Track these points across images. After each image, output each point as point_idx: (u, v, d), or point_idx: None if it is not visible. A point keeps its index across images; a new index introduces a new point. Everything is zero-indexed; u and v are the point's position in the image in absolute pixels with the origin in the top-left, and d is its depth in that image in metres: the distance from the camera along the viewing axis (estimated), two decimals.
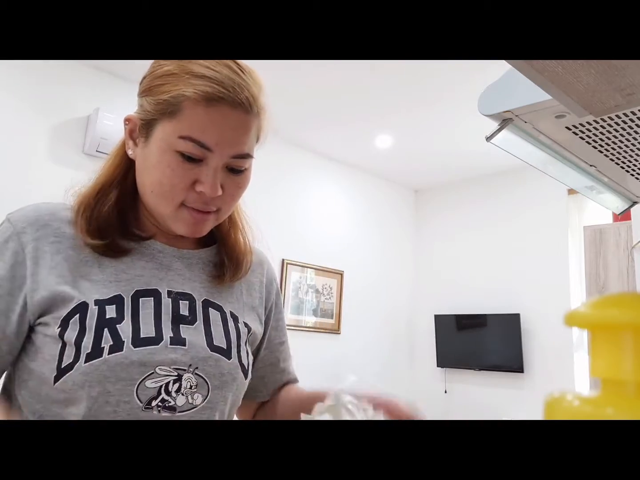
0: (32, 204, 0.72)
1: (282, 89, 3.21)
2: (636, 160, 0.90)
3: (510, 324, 3.93)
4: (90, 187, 0.73)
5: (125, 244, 0.73)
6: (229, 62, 0.67)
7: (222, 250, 0.81)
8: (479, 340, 4.11)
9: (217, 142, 0.66)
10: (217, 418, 0.71)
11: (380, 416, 0.61)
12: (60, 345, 0.65)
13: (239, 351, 0.74)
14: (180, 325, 0.70)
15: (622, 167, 0.93)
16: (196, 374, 0.68)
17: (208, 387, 0.69)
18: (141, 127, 0.70)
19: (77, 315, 0.65)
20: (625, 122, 0.76)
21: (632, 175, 0.97)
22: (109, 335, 0.65)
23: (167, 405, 0.66)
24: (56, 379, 0.64)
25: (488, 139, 0.82)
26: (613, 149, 0.85)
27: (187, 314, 0.72)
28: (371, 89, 3.19)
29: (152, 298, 0.70)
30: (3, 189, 2.70)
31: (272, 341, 0.87)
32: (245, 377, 0.75)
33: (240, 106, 0.66)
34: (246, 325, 0.78)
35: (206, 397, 0.69)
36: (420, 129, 3.67)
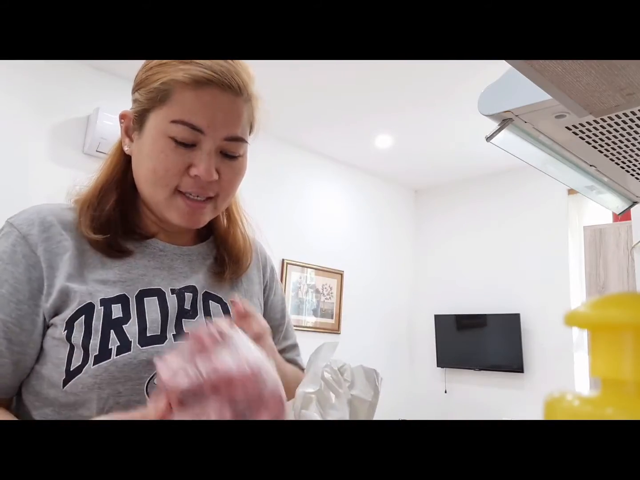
0: (33, 206, 0.72)
1: (282, 89, 3.21)
2: (636, 160, 0.90)
3: (510, 324, 3.93)
4: (92, 187, 0.74)
5: (127, 243, 0.73)
6: None
7: (221, 248, 0.81)
8: (479, 340, 4.12)
9: (208, 124, 0.66)
10: None
11: (359, 370, 0.63)
12: (68, 348, 0.65)
13: None
14: (183, 320, 0.71)
15: (622, 167, 0.93)
16: None
17: None
18: (135, 120, 0.70)
19: (83, 317, 0.66)
20: (625, 122, 0.76)
21: (632, 175, 0.97)
22: (115, 336, 0.65)
23: None
24: (65, 382, 0.64)
25: (488, 139, 0.82)
26: (613, 149, 0.85)
27: (189, 308, 0.72)
28: (371, 89, 3.19)
29: (156, 297, 0.71)
30: (3, 189, 2.70)
31: (271, 322, 0.85)
32: None
33: (229, 89, 0.66)
34: None
35: None
36: (420, 129, 3.67)
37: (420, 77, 3.02)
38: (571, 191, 3.80)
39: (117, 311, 0.67)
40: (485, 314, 4.09)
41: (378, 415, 0.86)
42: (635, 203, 1.14)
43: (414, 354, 4.61)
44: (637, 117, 0.74)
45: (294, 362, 0.88)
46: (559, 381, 3.63)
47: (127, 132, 0.72)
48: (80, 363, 0.64)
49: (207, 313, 0.74)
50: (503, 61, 0.45)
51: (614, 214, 1.70)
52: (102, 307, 0.66)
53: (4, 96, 2.80)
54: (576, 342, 3.69)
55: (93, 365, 0.63)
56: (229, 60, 0.67)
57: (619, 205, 1.14)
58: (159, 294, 0.71)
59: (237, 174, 0.72)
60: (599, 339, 0.30)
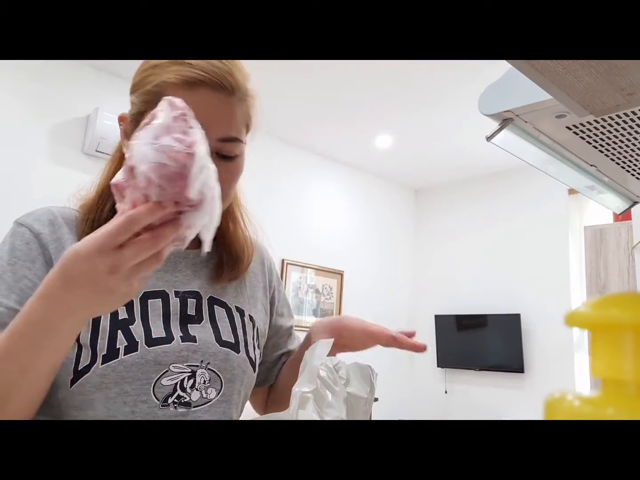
0: (41, 207, 0.72)
1: (282, 89, 3.21)
2: (637, 160, 0.90)
3: (510, 324, 3.93)
4: (93, 191, 0.74)
5: None
6: None
7: (221, 246, 0.81)
8: (479, 341, 4.12)
9: (201, 125, 0.66)
10: (233, 411, 0.73)
11: (354, 367, 0.63)
12: (76, 348, 0.65)
13: (246, 345, 0.75)
14: (188, 325, 0.71)
15: (623, 167, 0.93)
16: (209, 369, 0.70)
17: (221, 381, 0.70)
18: (131, 123, 0.70)
19: (90, 318, 0.66)
20: (625, 122, 0.76)
21: (633, 175, 0.97)
22: (123, 336, 0.66)
23: (182, 401, 0.67)
24: (73, 381, 0.64)
25: (488, 138, 0.82)
26: (613, 148, 0.85)
27: (194, 314, 0.73)
28: (371, 89, 3.19)
29: (160, 299, 0.71)
30: (3, 189, 2.70)
31: (279, 328, 0.88)
32: (254, 371, 0.76)
33: (221, 89, 0.66)
34: (251, 319, 0.79)
35: (220, 391, 0.70)
36: (420, 129, 3.67)
37: (420, 77, 3.02)
38: (571, 191, 3.80)
39: (122, 312, 0.67)
40: (485, 314, 4.09)
41: (378, 416, 0.86)
42: (635, 203, 1.14)
43: (414, 354, 4.59)
44: (638, 117, 0.74)
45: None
46: (559, 381, 3.63)
47: (126, 135, 0.72)
48: (88, 362, 0.64)
49: (213, 318, 0.74)
50: (503, 61, 0.45)
51: (614, 214, 1.70)
52: None
53: (4, 96, 2.80)
54: (576, 342, 3.69)
55: (101, 364, 0.64)
56: (224, 60, 0.67)
57: (620, 205, 1.14)
58: (163, 296, 0.71)
59: (234, 175, 0.72)
60: (599, 339, 0.30)
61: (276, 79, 3.06)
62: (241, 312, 0.78)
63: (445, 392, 4.31)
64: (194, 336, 0.70)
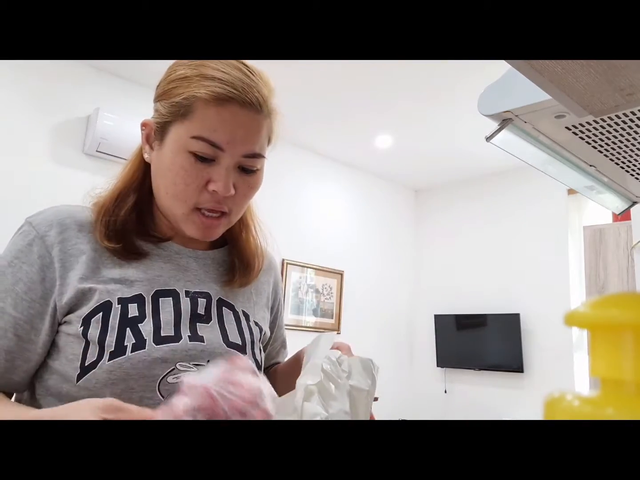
0: (52, 207, 0.74)
1: (281, 89, 3.20)
2: (636, 160, 0.90)
3: (510, 324, 3.93)
4: (110, 192, 0.75)
5: (143, 245, 0.75)
6: (240, 64, 0.69)
7: (233, 252, 0.82)
8: (478, 340, 4.12)
9: (228, 141, 0.67)
10: None
11: (356, 361, 0.65)
12: (83, 344, 0.66)
13: (252, 348, 0.76)
14: (197, 324, 0.72)
15: (622, 167, 0.93)
16: None
17: None
18: (156, 131, 0.72)
19: (100, 314, 0.67)
20: (625, 122, 0.76)
21: (632, 175, 0.97)
22: (131, 334, 0.67)
23: None
24: (79, 377, 0.65)
25: (488, 139, 0.82)
26: (613, 149, 0.85)
27: (203, 313, 0.74)
28: (371, 89, 3.19)
29: (171, 298, 0.72)
30: (3, 189, 2.70)
31: (276, 340, 0.91)
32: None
33: (250, 106, 0.67)
34: (257, 324, 0.80)
35: None
36: (420, 129, 3.67)
37: (420, 77, 3.02)
38: (571, 191, 3.80)
39: (133, 310, 0.68)
40: (485, 314, 4.09)
41: (378, 415, 0.86)
42: (635, 203, 1.14)
43: (414, 354, 4.60)
44: (637, 117, 0.74)
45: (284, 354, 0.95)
46: (559, 381, 3.63)
47: (147, 140, 0.74)
48: (95, 359, 0.65)
49: (221, 319, 0.75)
50: (503, 61, 0.45)
51: (613, 214, 1.70)
52: (120, 306, 0.68)
53: (5, 96, 2.80)
54: (576, 342, 3.69)
55: (108, 361, 0.65)
56: (249, 73, 0.69)
57: (619, 205, 1.14)
58: (174, 295, 0.73)
59: (253, 188, 0.74)
60: (598, 339, 0.30)
61: (276, 79, 3.05)
62: (247, 317, 0.79)
63: (445, 391, 4.31)
64: (202, 336, 0.71)
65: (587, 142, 0.84)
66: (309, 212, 4.09)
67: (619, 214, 1.17)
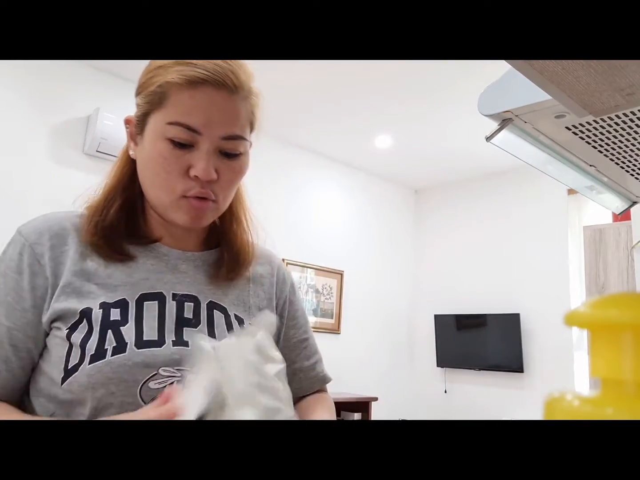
0: (42, 215, 0.74)
1: (281, 89, 3.21)
2: (636, 160, 0.90)
3: (510, 324, 3.93)
4: (100, 193, 0.75)
5: (131, 248, 0.74)
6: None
7: (222, 244, 0.80)
8: (478, 340, 4.12)
9: (204, 124, 0.66)
10: None
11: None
12: (67, 347, 0.66)
13: None
14: (184, 329, 0.70)
15: (622, 167, 0.93)
16: None
17: None
18: (137, 125, 0.71)
19: (84, 320, 0.67)
20: (625, 122, 0.76)
21: (632, 175, 0.97)
22: (112, 337, 0.65)
23: None
24: (63, 380, 0.65)
25: (488, 139, 0.82)
26: (613, 149, 0.85)
27: (191, 317, 0.72)
28: (371, 89, 3.19)
29: (157, 302, 0.71)
30: (3, 189, 2.70)
31: (290, 339, 0.85)
32: None
33: (224, 87, 0.66)
34: None
35: None
36: (420, 129, 3.67)
37: (420, 77, 3.02)
38: (571, 191, 3.80)
39: (115, 314, 0.67)
40: (485, 314, 4.09)
41: (378, 415, 0.86)
42: (635, 203, 1.14)
43: (414, 354, 4.60)
44: (637, 117, 0.74)
45: (322, 378, 0.87)
46: (559, 381, 3.63)
47: (132, 137, 0.73)
48: (77, 362, 0.64)
49: (211, 322, 0.73)
50: (503, 61, 0.45)
51: (613, 214, 1.70)
52: (101, 310, 0.67)
53: (4, 96, 2.80)
54: (576, 342, 3.69)
55: (88, 364, 0.64)
56: (227, 60, 0.67)
57: (619, 205, 1.14)
58: (160, 298, 0.71)
59: (237, 173, 0.72)
60: (598, 339, 0.30)
61: (276, 79, 3.06)
62: (240, 321, 0.76)
63: (445, 391, 4.31)
64: (187, 341, 0.69)
65: (587, 142, 0.84)
66: (308, 212, 4.09)
67: (619, 214, 1.17)
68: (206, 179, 0.67)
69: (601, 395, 0.29)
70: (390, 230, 4.67)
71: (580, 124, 0.78)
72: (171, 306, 0.71)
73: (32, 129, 2.87)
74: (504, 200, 4.27)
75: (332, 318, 4.08)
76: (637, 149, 0.85)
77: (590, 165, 0.93)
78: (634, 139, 0.81)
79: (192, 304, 0.73)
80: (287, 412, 0.58)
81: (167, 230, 0.76)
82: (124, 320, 0.67)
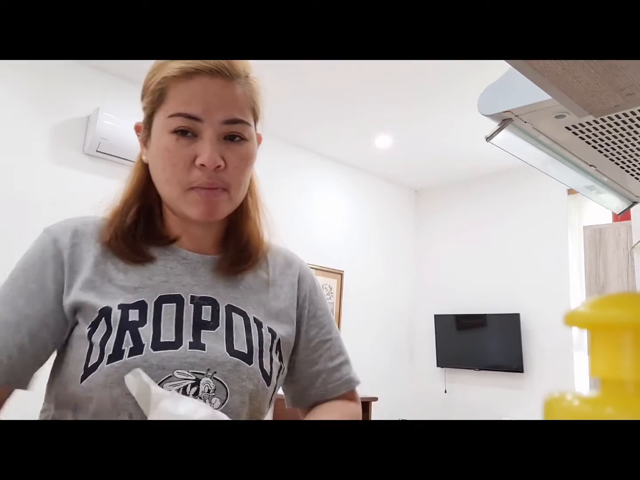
0: (69, 218, 0.76)
1: (281, 89, 3.21)
2: (636, 160, 0.90)
3: (510, 324, 3.93)
4: (120, 199, 0.76)
5: (151, 250, 0.74)
6: None
7: (231, 239, 0.80)
8: (478, 340, 4.12)
9: (203, 111, 0.67)
10: None
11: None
12: (88, 346, 0.67)
13: (260, 357, 0.73)
14: (202, 331, 0.70)
15: (622, 167, 0.93)
16: (214, 378, 0.68)
17: (226, 391, 0.68)
18: (144, 128, 0.73)
19: (104, 319, 0.68)
20: (625, 122, 0.76)
21: (632, 175, 0.97)
22: (130, 337, 0.66)
23: None
24: (83, 378, 0.66)
25: (488, 139, 0.82)
26: (613, 149, 0.85)
27: (209, 320, 0.72)
28: (371, 89, 3.19)
29: (175, 304, 0.71)
30: (3, 189, 2.70)
31: (312, 339, 0.82)
32: (268, 384, 0.73)
33: (218, 74, 0.67)
34: (270, 330, 0.76)
35: (224, 402, 0.68)
36: (420, 129, 3.67)
37: (420, 77, 3.02)
38: (571, 191, 3.80)
39: (133, 315, 0.68)
40: (485, 314, 4.09)
41: (378, 415, 0.86)
42: (635, 203, 1.14)
43: (414, 354, 4.60)
44: (637, 117, 0.74)
45: (348, 381, 0.84)
46: (559, 381, 3.63)
47: (143, 142, 0.75)
48: (96, 361, 0.65)
49: (230, 325, 0.72)
50: (503, 61, 0.45)
51: (613, 213, 1.70)
52: (120, 311, 0.68)
53: (5, 96, 2.80)
54: (576, 342, 3.69)
55: (106, 364, 0.65)
56: None
57: (619, 205, 1.14)
58: (178, 300, 0.71)
59: (244, 160, 0.71)
60: (598, 339, 0.30)
61: (276, 79, 3.06)
62: (259, 324, 0.75)
63: (445, 391, 4.31)
64: (204, 344, 0.69)
65: (587, 142, 0.84)
66: (308, 212, 4.09)
67: (619, 214, 1.17)
68: (212, 166, 0.67)
69: (601, 395, 0.29)
70: (390, 230, 4.67)
71: (580, 124, 0.78)
72: (189, 309, 0.71)
73: (32, 129, 2.87)
74: (504, 200, 4.27)
75: None
76: (637, 149, 0.85)
77: (590, 165, 0.93)
78: (634, 139, 0.81)
79: (210, 306, 0.73)
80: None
81: (185, 230, 0.76)
82: (143, 320, 0.68)
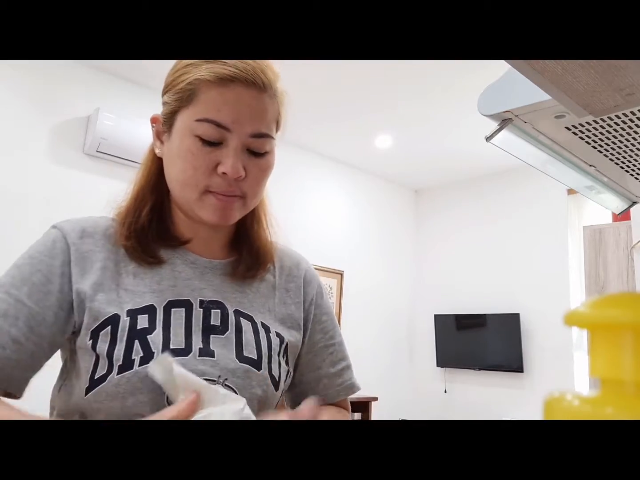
0: (79, 217, 0.75)
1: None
2: (636, 160, 0.90)
3: (510, 324, 3.93)
4: (130, 196, 0.75)
5: (160, 251, 0.74)
6: None
7: (241, 242, 0.80)
8: (478, 340, 4.12)
9: (233, 120, 0.66)
10: None
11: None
12: (94, 357, 0.66)
13: (269, 362, 0.72)
14: (211, 336, 0.70)
15: (622, 167, 0.93)
16: (226, 385, 0.68)
17: None
18: (164, 123, 0.72)
19: (109, 327, 0.66)
20: (624, 122, 0.76)
21: (632, 175, 0.97)
22: (139, 346, 0.66)
23: None
24: (88, 390, 0.65)
25: (488, 139, 0.82)
26: (612, 149, 0.85)
27: (219, 324, 0.71)
28: (371, 89, 3.19)
29: (184, 309, 0.70)
30: (3, 189, 2.70)
31: (316, 343, 0.83)
32: (276, 389, 0.73)
33: (253, 85, 0.67)
34: (278, 335, 0.76)
35: None
36: (420, 129, 3.67)
37: (420, 77, 3.02)
38: (571, 191, 3.80)
39: (143, 321, 0.67)
40: (485, 314, 4.09)
41: (378, 415, 0.86)
42: (634, 203, 1.14)
43: (414, 354, 4.60)
44: (637, 117, 0.74)
45: (349, 387, 0.84)
46: (559, 381, 3.63)
47: (158, 136, 0.74)
48: (105, 372, 0.65)
49: (239, 329, 0.72)
50: (503, 61, 0.45)
51: (613, 214, 1.70)
52: (128, 318, 0.67)
53: (4, 96, 2.80)
54: (576, 342, 3.69)
55: (117, 375, 0.64)
56: (253, 59, 0.68)
57: (619, 205, 1.14)
58: (187, 305, 0.71)
59: (264, 171, 0.72)
60: (598, 339, 0.30)
61: None
62: (267, 329, 0.75)
63: (445, 391, 4.31)
64: (213, 350, 0.69)
65: (587, 142, 0.84)
66: (308, 212, 4.09)
67: (619, 214, 1.17)
68: (234, 176, 0.67)
69: (601, 395, 0.29)
70: (390, 230, 4.67)
71: (580, 124, 0.78)
72: (198, 313, 0.71)
73: (32, 129, 2.87)
74: (504, 200, 4.27)
75: None
76: (637, 149, 0.85)
77: (590, 165, 0.93)
78: (634, 139, 0.81)
79: (219, 310, 0.73)
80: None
81: (195, 231, 0.76)
82: (152, 327, 0.67)
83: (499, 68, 0.70)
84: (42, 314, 0.66)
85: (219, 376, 0.68)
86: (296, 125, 3.70)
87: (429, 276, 4.66)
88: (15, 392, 0.66)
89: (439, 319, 4.34)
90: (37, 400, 0.75)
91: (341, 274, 4.18)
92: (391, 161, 4.27)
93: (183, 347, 0.67)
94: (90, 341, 0.66)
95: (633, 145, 0.83)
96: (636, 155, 0.87)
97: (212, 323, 0.71)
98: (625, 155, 0.88)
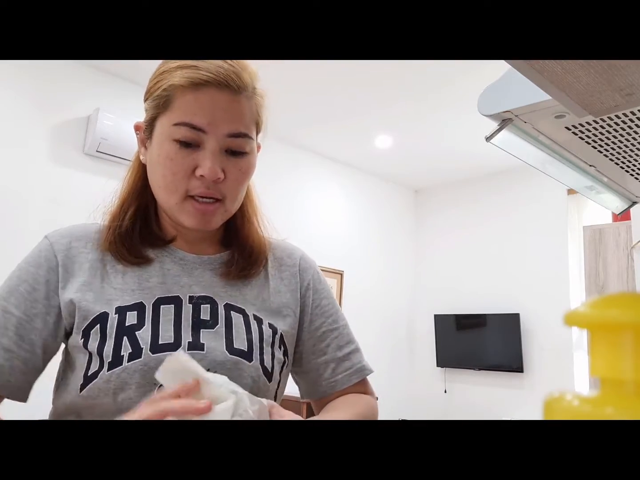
0: (69, 225, 0.77)
1: (281, 89, 3.21)
2: (636, 160, 0.90)
3: (510, 324, 3.93)
4: (117, 201, 0.77)
5: (147, 251, 0.75)
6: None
7: (233, 244, 0.80)
8: (478, 340, 4.12)
9: (208, 122, 0.67)
10: None
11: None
12: (87, 355, 0.67)
13: (261, 353, 0.73)
14: (201, 330, 0.71)
15: (622, 167, 0.93)
16: None
17: None
18: (146, 130, 0.73)
19: (98, 325, 0.68)
20: (624, 122, 0.76)
21: (632, 175, 0.97)
22: (128, 343, 0.67)
23: None
24: (82, 387, 0.66)
25: (488, 139, 0.82)
26: (612, 149, 0.85)
27: (208, 318, 0.72)
28: (371, 89, 3.19)
29: (173, 305, 0.71)
30: (3, 189, 2.70)
31: (318, 328, 0.81)
32: (269, 380, 0.73)
33: (227, 87, 0.67)
34: (271, 326, 0.76)
35: None
36: (420, 129, 3.67)
37: (420, 77, 3.02)
38: (571, 191, 3.80)
39: (131, 318, 0.68)
40: (485, 314, 4.10)
41: (379, 415, 0.85)
42: (634, 203, 1.14)
43: (414, 354, 4.60)
44: (637, 117, 0.74)
45: (359, 369, 0.83)
46: (559, 381, 3.63)
47: (142, 142, 0.75)
48: (96, 369, 0.66)
49: (229, 324, 0.72)
50: (503, 61, 0.45)
51: (613, 213, 1.70)
52: (117, 315, 0.68)
53: (4, 96, 2.80)
54: (576, 342, 3.69)
55: (107, 371, 0.65)
56: (229, 61, 0.68)
57: (619, 205, 1.14)
58: (176, 302, 0.72)
59: (244, 173, 0.72)
60: (598, 339, 0.30)
61: (275, 79, 3.05)
62: (259, 321, 0.75)
63: (445, 391, 4.32)
64: (203, 344, 0.69)
65: (587, 142, 0.84)
66: (308, 212, 4.09)
67: (619, 214, 1.17)
68: (212, 178, 0.68)
69: (601, 395, 0.29)
70: (390, 230, 4.67)
71: (580, 124, 0.78)
72: (187, 309, 0.72)
73: (32, 129, 2.86)
74: (504, 200, 4.27)
75: None
76: (637, 149, 0.85)
77: (590, 165, 0.93)
78: (634, 139, 0.81)
79: (209, 305, 0.73)
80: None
81: (180, 233, 0.77)
82: (140, 323, 0.68)
83: (499, 68, 0.70)
84: (30, 321, 0.68)
85: (208, 369, 0.67)
86: (296, 125, 3.71)
87: (428, 276, 4.66)
88: (15, 396, 0.68)
89: (439, 319, 4.34)
90: (37, 400, 0.75)
91: (341, 274, 4.18)
92: (391, 161, 4.27)
93: (172, 341, 0.68)
94: (82, 340, 0.68)
95: (633, 145, 0.83)
96: (636, 155, 0.87)
97: (202, 317, 0.72)
98: (625, 155, 0.88)
